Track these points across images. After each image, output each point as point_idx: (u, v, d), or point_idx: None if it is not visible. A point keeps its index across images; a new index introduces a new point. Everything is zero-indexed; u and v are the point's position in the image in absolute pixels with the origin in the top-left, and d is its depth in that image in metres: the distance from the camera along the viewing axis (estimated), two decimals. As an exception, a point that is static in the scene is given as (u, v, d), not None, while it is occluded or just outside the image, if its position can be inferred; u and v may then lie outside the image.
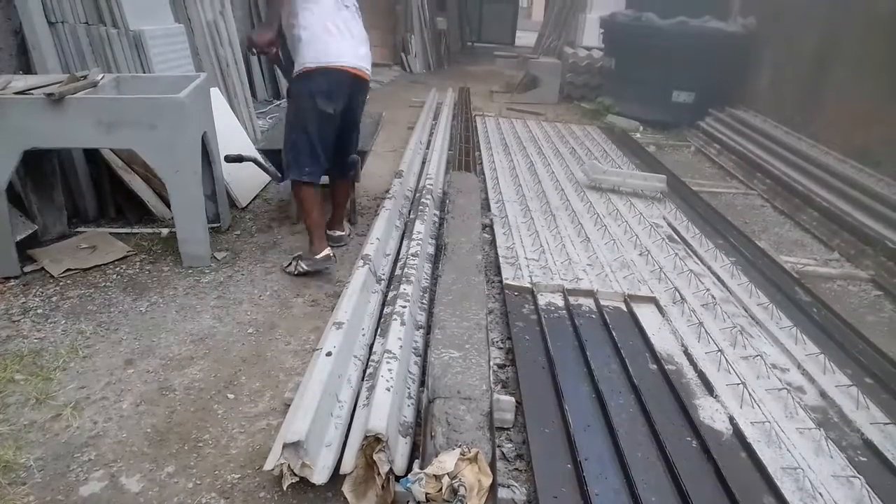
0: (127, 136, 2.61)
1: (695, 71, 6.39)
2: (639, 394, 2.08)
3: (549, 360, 2.24)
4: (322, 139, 2.77)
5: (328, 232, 3.19)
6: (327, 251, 2.86)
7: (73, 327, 2.39)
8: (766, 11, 6.15)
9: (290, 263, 2.95)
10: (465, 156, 4.73)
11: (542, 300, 2.70)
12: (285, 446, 1.58)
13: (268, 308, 2.64)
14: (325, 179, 2.97)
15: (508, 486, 1.68)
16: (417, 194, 3.68)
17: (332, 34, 2.67)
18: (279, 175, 3.14)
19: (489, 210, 3.75)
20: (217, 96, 3.85)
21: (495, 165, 4.78)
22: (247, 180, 3.77)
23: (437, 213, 3.58)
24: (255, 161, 3.15)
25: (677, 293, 2.81)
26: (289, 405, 1.89)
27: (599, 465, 1.76)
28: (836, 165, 4.34)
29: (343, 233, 3.25)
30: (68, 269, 2.77)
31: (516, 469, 1.79)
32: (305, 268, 2.87)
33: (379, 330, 2.28)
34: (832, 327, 2.67)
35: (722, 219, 4.00)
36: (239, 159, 3.04)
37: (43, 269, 2.76)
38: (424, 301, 2.59)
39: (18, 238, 2.74)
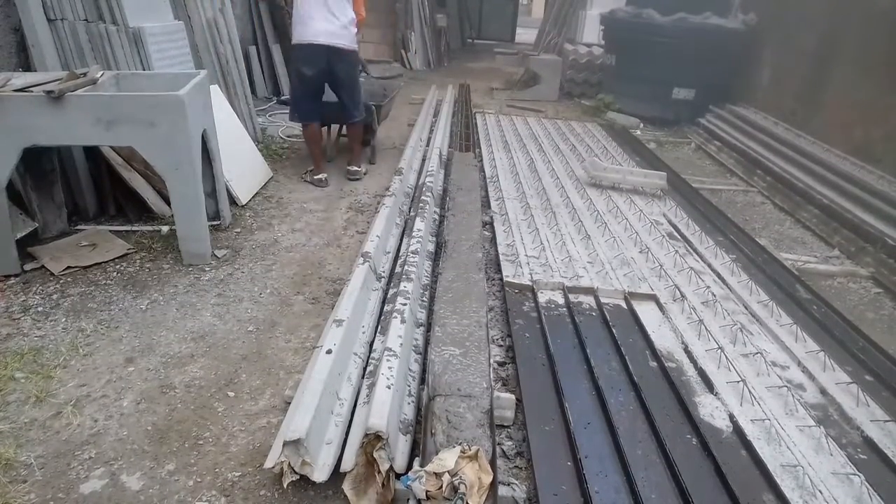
0: (126, 133, 2.60)
1: (695, 68, 6.38)
2: (639, 391, 2.08)
3: (550, 357, 2.24)
4: None
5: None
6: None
7: (73, 325, 2.39)
8: (766, 8, 6.14)
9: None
10: (465, 153, 4.72)
11: (543, 298, 2.70)
12: (286, 444, 1.59)
13: (268, 306, 2.64)
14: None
15: (509, 484, 1.69)
16: (417, 192, 3.68)
17: None
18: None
19: (489, 207, 3.75)
20: (217, 94, 3.84)
21: (495, 162, 4.77)
22: (247, 178, 3.77)
23: (438, 210, 3.58)
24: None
25: (677, 290, 2.81)
26: (289, 403, 1.90)
27: (599, 463, 1.77)
28: (837, 162, 4.34)
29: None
30: (68, 267, 2.77)
31: (516, 467, 1.79)
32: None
33: (379, 328, 2.28)
34: (832, 324, 2.68)
35: (722, 216, 4.00)
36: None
37: (43, 266, 2.76)
38: (425, 299, 2.59)
39: (18, 236, 2.74)
